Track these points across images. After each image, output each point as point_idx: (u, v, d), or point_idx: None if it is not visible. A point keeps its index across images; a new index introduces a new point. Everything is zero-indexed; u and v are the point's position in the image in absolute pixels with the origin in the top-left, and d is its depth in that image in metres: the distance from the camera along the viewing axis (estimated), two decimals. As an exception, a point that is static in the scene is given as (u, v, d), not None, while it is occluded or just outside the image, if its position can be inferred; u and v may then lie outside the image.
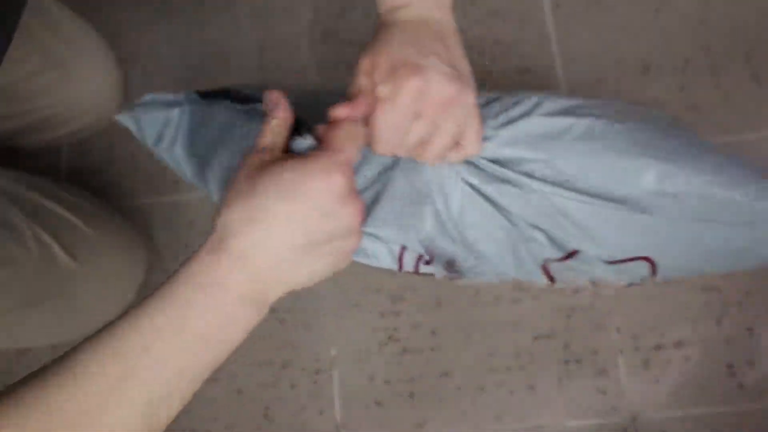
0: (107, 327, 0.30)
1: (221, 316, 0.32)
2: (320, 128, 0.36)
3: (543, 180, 0.41)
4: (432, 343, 0.71)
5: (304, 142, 0.36)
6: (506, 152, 0.42)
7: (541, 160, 0.41)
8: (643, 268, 0.45)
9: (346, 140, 0.35)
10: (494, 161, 0.42)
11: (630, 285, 0.48)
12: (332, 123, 0.36)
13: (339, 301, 0.73)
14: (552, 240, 0.43)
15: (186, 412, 0.72)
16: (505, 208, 0.43)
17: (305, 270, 0.34)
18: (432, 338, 0.71)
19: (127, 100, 0.78)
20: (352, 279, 0.74)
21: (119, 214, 0.71)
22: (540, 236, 0.43)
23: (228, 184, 0.34)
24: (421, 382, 0.70)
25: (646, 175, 0.41)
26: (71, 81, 0.67)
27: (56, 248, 0.58)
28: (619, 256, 0.44)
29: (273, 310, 0.74)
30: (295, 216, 0.32)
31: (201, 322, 0.31)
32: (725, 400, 0.68)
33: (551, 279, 0.47)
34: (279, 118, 0.35)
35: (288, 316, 0.72)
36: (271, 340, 0.72)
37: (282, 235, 0.32)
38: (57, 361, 0.30)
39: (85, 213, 0.63)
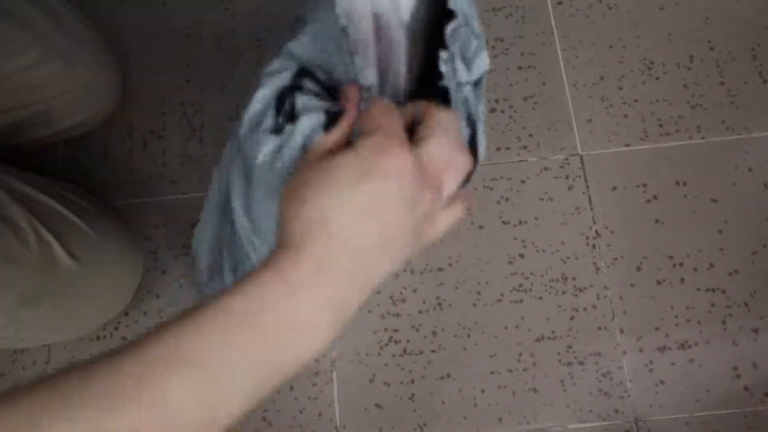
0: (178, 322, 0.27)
1: (294, 318, 0.27)
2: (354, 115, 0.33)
3: None
4: (433, 344, 0.70)
5: None
6: None
7: None
8: None
9: (385, 117, 0.31)
10: None
11: None
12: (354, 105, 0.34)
13: (338, 302, 0.72)
14: None
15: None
16: None
17: (387, 264, 0.30)
18: (433, 339, 0.70)
19: (125, 98, 0.77)
20: (352, 279, 0.73)
21: (117, 215, 0.70)
22: None
23: (288, 183, 0.31)
24: (421, 384, 0.69)
25: None
26: (72, 72, 0.67)
27: (56, 247, 0.57)
28: None
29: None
30: (371, 202, 0.28)
31: (270, 318, 0.27)
32: (731, 402, 0.67)
33: None
34: (352, 117, 0.33)
35: (287, 317, 0.71)
36: (269, 341, 0.71)
37: (353, 231, 0.28)
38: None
39: (86, 213, 0.63)
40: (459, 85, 0.38)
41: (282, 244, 0.29)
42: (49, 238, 0.56)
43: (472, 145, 0.39)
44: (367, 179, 0.29)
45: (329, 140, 0.33)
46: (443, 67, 0.37)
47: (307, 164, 0.31)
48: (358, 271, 0.29)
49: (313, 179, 0.29)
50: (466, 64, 0.38)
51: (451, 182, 0.32)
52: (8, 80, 0.62)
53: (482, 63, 0.38)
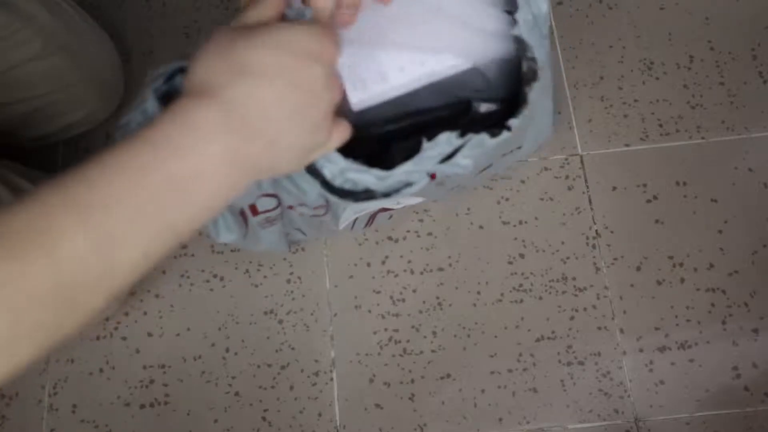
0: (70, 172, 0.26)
1: (198, 165, 0.27)
2: None
3: None
4: (433, 344, 0.70)
5: (301, 9, 0.34)
6: None
7: None
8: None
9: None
10: None
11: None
12: None
13: (339, 302, 0.72)
14: None
15: (184, 413, 0.71)
16: None
17: (292, 139, 0.30)
18: (433, 340, 0.70)
19: (124, 98, 0.77)
20: (352, 279, 0.73)
21: None
22: None
23: (206, 42, 0.30)
24: (421, 384, 0.69)
25: None
26: (74, 67, 0.66)
27: None
28: None
29: (271, 311, 0.74)
30: (287, 69, 0.28)
31: (174, 164, 0.26)
32: (731, 402, 0.67)
33: None
34: None
35: (287, 317, 0.71)
36: (269, 341, 0.71)
37: (273, 89, 0.28)
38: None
39: None
40: None
41: (189, 92, 0.28)
42: None
43: None
44: (304, 52, 0.29)
45: (263, 13, 0.32)
46: None
47: (225, 29, 0.30)
48: (268, 133, 0.28)
49: (241, 34, 0.29)
50: None
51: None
52: (8, 74, 0.62)
53: None
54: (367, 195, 0.41)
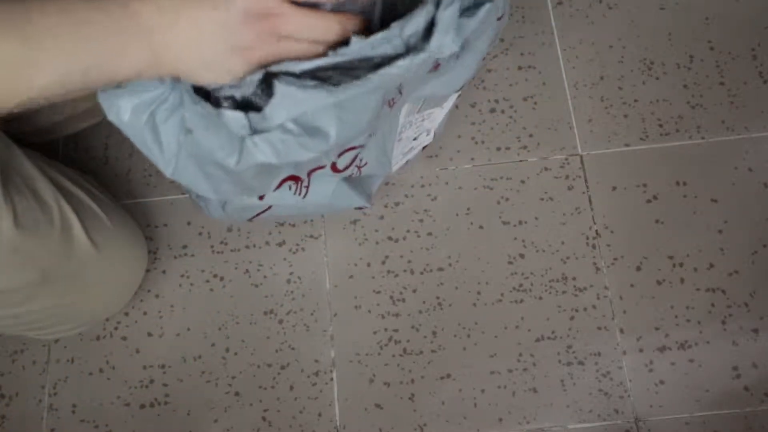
0: None
1: (124, 33, 0.34)
2: None
3: None
4: (433, 344, 0.70)
5: None
6: None
7: None
8: None
9: None
10: None
11: None
12: None
13: (339, 302, 0.72)
14: None
15: (184, 413, 0.71)
16: None
17: (217, 63, 0.37)
18: (433, 339, 0.70)
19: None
20: (352, 279, 0.73)
21: (127, 212, 0.71)
22: None
23: None
24: (421, 384, 0.69)
25: None
26: None
27: (77, 228, 0.57)
28: None
29: (271, 311, 0.74)
30: (201, 23, 0.35)
31: (110, 39, 0.34)
32: (731, 402, 0.67)
33: None
34: None
35: (287, 317, 0.72)
36: (269, 341, 0.71)
37: (215, 30, 0.35)
38: None
39: (102, 203, 0.63)
40: None
41: None
42: (72, 217, 0.57)
43: (428, 30, 0.38)
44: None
45: None
46: None
47: None
48: (191, 50, 0.36)
49: None
50: None
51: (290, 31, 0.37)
52: None
53: None
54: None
